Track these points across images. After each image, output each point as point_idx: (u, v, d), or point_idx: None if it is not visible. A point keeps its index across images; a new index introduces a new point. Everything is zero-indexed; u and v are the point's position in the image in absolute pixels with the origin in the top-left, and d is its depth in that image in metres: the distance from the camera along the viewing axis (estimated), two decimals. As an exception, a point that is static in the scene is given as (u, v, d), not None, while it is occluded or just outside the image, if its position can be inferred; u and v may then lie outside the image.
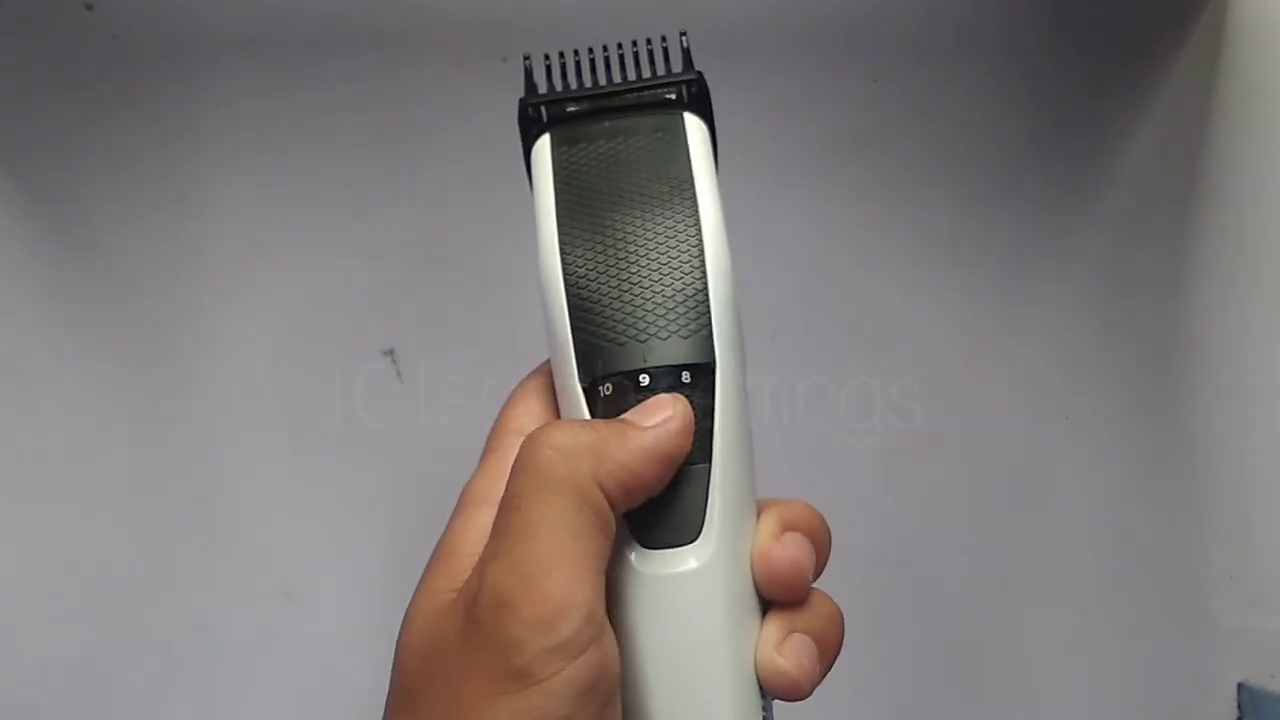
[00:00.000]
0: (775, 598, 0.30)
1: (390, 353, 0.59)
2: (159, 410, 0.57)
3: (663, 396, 0.29)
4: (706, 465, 0.29)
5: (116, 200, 0.56)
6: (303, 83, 0.57)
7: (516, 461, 0.28)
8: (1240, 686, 0.58)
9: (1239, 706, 0.58)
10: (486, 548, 0.27)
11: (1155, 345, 0.60)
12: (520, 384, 0.33)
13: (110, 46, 0.56)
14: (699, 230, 0.30)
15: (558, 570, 0.26)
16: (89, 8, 0.55)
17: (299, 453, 0.58)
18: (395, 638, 0.28)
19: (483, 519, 0.29)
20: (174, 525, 0.57)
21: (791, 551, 0.30)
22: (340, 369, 0.58)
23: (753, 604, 0.30)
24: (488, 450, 0.32)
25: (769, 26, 0.59)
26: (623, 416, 0.29)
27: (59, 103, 0.55)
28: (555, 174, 0.31)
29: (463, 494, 0.30)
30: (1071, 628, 0.61)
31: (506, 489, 0.27)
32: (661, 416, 0.28)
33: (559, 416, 0.31)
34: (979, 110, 0.60)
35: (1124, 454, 0.61)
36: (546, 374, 0.32)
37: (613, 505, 0.27)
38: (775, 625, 0.30)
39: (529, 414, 0.32)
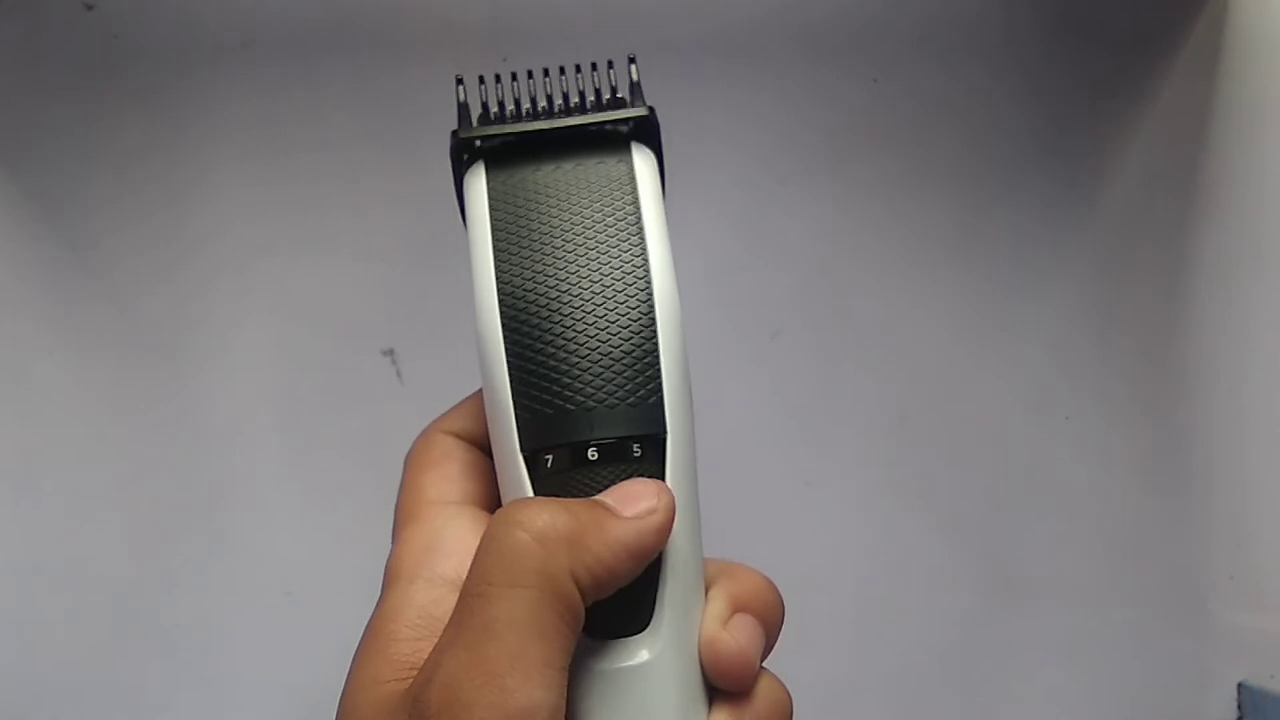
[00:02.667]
0: (721, 688, 0.28)
1: (390, 353, 0.58)
2: (159, 410, 0.57)
3: (645, 483, 0.27)
4: None
5: (116, 200, 0.56)
6: (302, 83, 0.57)
7: (486, 540, 0.25)
8: (1240, 686, 0.58)
9: (1239, 706, 0.58)
10: (445, 633, 0.25)
11: (1156, 344, 0.60)
12: (425, 441, 0.30)
13: (110, 46, 0.55)
14: (649, 283, 0.28)
15: (520, 671, 0.23)
16: (89, 8, 0.55)
17: (299, 453, 0.58)
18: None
19: (418, 597, 0.27)
20: (174, 525, 0.57)
21: (739, 641, 0.27)
22: (340, 369, 0.58)
23: (701, 691, 0.28)
24: (404, 520, 0.29)
25: (769, 26, 0.59)
26: (600, 499, 0.26)
27: (59, 103, 0.55)
28: (492, 213, 0.29)
29: (388, 570, 0.28)
30: (1072, 628, 0.61)
31: (473, 569, 0.25)
32: (644, 507, 0.26)
33: (480, 481, 0.29)
34: (979, 110, 0.60)
35: (1124, 453, 0.61)
36: (455, 430, 0.30)
37: (583, 599, 0.25)
38: (721, 718, 0.27)
39: (447, 479, 0.29)
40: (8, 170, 0.55)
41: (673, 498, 0.27)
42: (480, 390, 0.30)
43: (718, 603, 0.28)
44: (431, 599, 0.27)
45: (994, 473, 0.61)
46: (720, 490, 0.56)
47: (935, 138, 0.60)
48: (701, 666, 0.28)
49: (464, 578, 0.26)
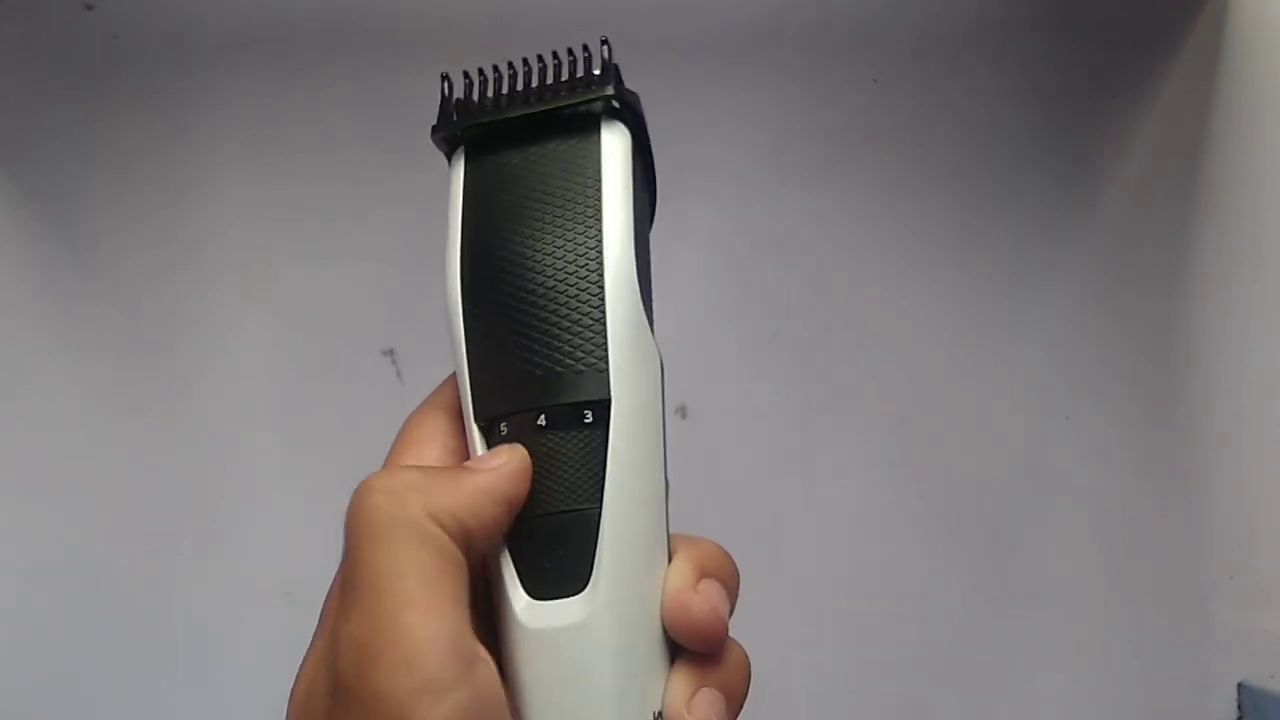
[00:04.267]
0: (693, 649, 0.28)
1: (390, 353, 0.59)
2: (159, 410, 0.57)
3: (502, 447, 0.28)
4: (596, 509, 0.27)
5: (116, 200, 0.56)
6: (302, 83, 0.57)
7: (348, 510, 0.26)
8: (1240, 686, 0.58)
9: (1239, 706, 0.58)
10: (337, 604, 0.26)
11: (1156, 345, 0.60)
12: (414, 419, 0.31)
13: (110, 46, 0.55)
14: (600, 257, 0.28)
15: (411, 609, 0.24)
16: (89, 8, 0.55)
17: (299, 453, 0.58)
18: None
19: None
20: (174, 525, 0.57)
21: (712, 601, 0.28)
22: (340, 369, 0.58)
23: (653, 654, 0.28)
24: None
25: (769, 26, 0.59)
26: (465, 464, 0.28)
27: (59, 103, 0.55)
28: (464, 197, 0.30)
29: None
30: (1072, 627, 0.61)
31: (345, 541, 0.26)
32: (497, 462, 0.28)
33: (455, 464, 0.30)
34: (979, 110, 0.60)
35: (1125, 453, 0.61)
36: (447, 405, 0.31)
37: (455, 542, 0.26)
38: (685, 679, 0.28)
39: (423, 461, 0.30)
40: (8, 170, 0.55)
41: (525, 452, 0.28)
42: None
43: (683, 568, 0.29)
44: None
45: (994, 473, 0.61)
46: (720, 489, 0.56)
47: (935, 138, 0.60)
48: (666, 629, 0.28)
49: None
